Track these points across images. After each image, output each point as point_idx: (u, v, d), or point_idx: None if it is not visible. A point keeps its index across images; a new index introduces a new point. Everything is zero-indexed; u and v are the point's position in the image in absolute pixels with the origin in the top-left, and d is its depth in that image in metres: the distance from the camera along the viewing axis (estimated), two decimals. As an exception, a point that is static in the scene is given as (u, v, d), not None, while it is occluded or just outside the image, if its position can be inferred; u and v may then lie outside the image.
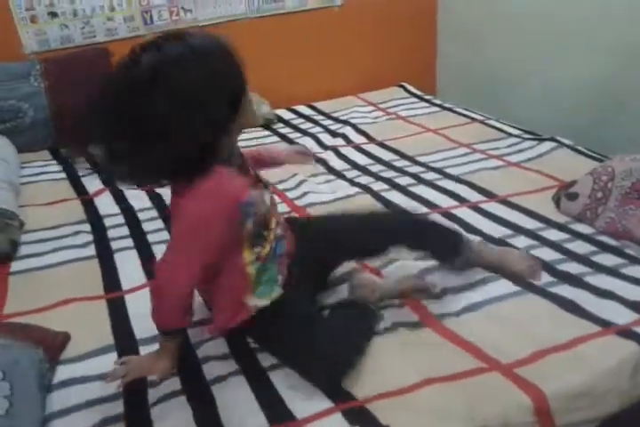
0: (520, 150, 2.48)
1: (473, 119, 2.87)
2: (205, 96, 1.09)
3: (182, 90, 1.07)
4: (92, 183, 2.28)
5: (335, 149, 2.55)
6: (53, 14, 2.57)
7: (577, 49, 2.74)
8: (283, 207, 2.03)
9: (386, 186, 2.21)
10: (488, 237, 1.84)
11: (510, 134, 2.66)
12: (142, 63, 1.07)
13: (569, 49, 2.78)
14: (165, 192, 2.07)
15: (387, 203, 2.07)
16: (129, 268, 1.74)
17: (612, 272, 1.64)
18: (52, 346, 1.38)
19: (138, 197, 2.14)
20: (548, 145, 2.48)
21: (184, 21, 2.78)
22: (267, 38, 2.96)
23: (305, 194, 2.14)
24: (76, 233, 1.94)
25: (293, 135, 2.74)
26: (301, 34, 3.09)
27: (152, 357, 1.33)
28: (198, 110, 1.08)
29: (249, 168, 1.32)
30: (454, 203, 2.07)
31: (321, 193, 2.16)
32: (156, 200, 2.11)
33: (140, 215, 2.02)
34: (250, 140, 2.64)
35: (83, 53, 2.61)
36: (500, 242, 1.81)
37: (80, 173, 2.38)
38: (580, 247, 1.78)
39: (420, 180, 2.25)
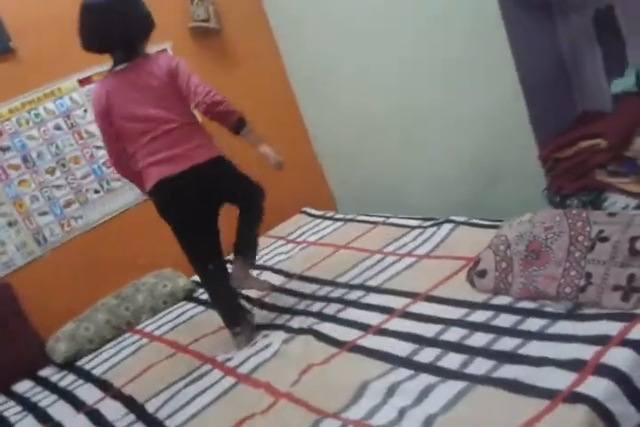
0: (425, 240, 2.62)
1: (375, 223, 3.02)
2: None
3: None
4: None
5: (259, 300, 2.61)
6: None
7: (445, 136, 2.99)
8: (229, 380, 2.07)
9: (316, 320, 2.26)
10: (424, 339, 1.91)
11: (412, 227, 2.81)
12: None
13: (438, 137, 3.03)
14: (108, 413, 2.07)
15: (323, 337, 2.12)
16: None
17: (540, 336, 1.72)
18: None
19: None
20: (446, 227, 2.63)
21: (77, 229, 2.88)
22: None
23: (245, 360, 2.16)
24: None
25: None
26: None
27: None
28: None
29: None
30: (384, 316, 2.13)
31: (258, 353, 2.18)
32: (99, 423, 2.07)
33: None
34: (178, 317, 2.69)
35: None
36: (432, 341, 1.87)
37: (12, 420, 2.28)
38: (505, 320, 1.86)
39: (345, 303, 2.32)
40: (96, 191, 2.97)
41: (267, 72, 3.52)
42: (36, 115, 2.81)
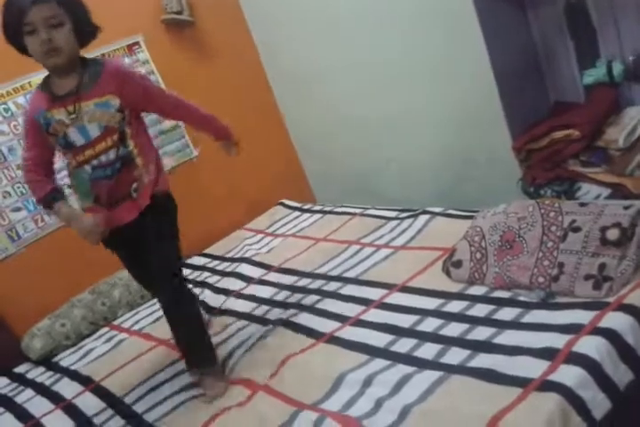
0: (402, 231, 2.64)
1: (353, 214, 3.03)
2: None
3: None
4: (5, 425, 2.18)
5: (238, 293, 2.61)
6: None
7: (420, 127, 2.99)
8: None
9: (295, 311, 2.27)
10: (400, 330, 1.93)
11: (389, 218, 2.82)
12: None
13: (413, 129, 3.03)
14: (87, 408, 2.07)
15: (301, 329, 2.13)
16: None
17: (514, 325, 1.75)
18: None
19: (58, 423, 2.07)
20: (422, 219, 2.65)
21: (52, 224, 2.84)
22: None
23: (228, 358, 2.14)
24: None
25: (195, 290, 2.76)
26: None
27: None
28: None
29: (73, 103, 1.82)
30: (361, 308, 2.15)
31: (241, 344, 2.18)
32: (78, 418, 2.06)
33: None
34: (156, 311, 2.67)
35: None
36: (409, 331, 1.90)
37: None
38: (480, 310, 1.89)
39: (323, 294, 2.33)
40: (70, 186, 2.92)
41: (242, 64, 3.49)
42: (6, 109, 2.76)
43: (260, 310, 2.39)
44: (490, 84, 2.56)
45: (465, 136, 2.82)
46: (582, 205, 1.99)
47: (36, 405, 2.23)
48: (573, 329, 1.61)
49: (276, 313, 2.32)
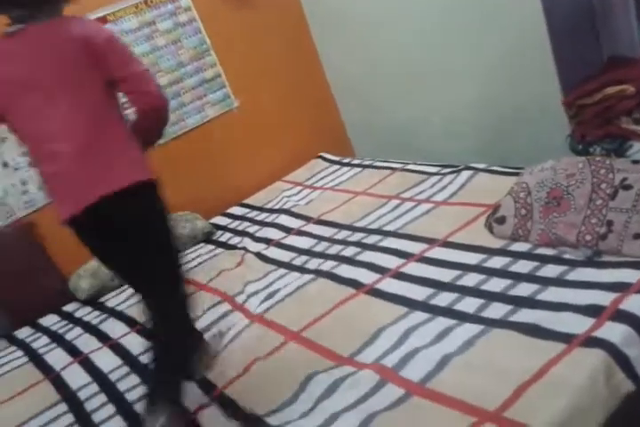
0: (443, 187, 2.61)
1: (393, 169, 3.00)
2: None
3: None
4: (57, 358, 2.27)
5: (277, 243, 2.64)
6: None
7: (467, 78, 2.91)
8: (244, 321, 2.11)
9: (334, 262, 2.29)
10: (440, 284, 1.93)
11: (430, 173, 2.79)
12: None
13: (460, 80, 2.94)
14: (132, 347, 2.14)
15: (342, 279, 2.15)
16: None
17: (559, 282, 1.74)
18: None
19: (106, 358, 2.16)
20: (465, 175, 2.62)
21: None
22: (178, 159, 3.07)
23: (262, 302, 2.19)
24: (56, 418, 1.93)
25: (234, 240, 2.81)
26: (208, 144, 3.22)
27: None
28: None
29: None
30: (401, 260, 2.15)
31: (275, 292, 2.22)
32: (125, 356, 2.14)
33: (112, 376, 2.04)
34: (197, 257, 2.73)
35: (5, 233, 2.61)
36: (449, 285, 1.91)
37: (41, 351, 2.36)
38: (523, 266, 1.88)
39: (363, 246, 2.34)
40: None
41: (284, 10, 3.42)
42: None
43: (300, 260, 2.41)
44: (542, 35, 2.47)
45: (512, 90, 2.74)
46: (635, 162, 1.94)
47: (85, 342, 2.31)
48: (620, 287, 1.60)
49: (315, 263, 2.34)
